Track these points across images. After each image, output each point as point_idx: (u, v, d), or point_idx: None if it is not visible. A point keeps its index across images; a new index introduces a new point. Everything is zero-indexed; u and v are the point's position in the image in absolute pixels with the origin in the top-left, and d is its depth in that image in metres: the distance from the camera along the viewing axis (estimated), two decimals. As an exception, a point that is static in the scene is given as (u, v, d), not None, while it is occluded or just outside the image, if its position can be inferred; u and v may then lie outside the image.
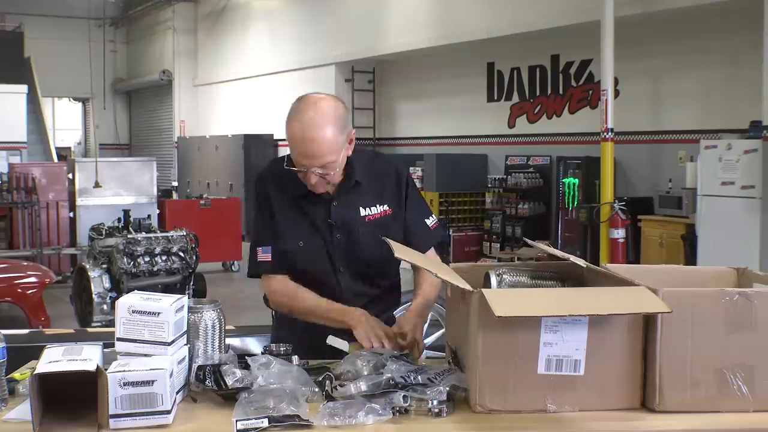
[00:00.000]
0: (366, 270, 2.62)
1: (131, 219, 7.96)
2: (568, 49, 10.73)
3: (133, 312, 2.04)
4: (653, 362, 1.96)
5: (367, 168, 2.64)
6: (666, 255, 8.72)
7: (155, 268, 7.41)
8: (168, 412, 1.89)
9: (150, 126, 21.28)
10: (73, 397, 1.91)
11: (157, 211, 11.27)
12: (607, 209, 9.09)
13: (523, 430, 1.91)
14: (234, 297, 8.98)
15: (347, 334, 2.45)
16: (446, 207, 11.41)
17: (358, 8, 13.48)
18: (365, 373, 2.09)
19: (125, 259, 7.30)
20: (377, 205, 2.62)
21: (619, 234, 8.99)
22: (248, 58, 16.66)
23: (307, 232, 2.59)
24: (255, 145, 15.24)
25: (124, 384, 1.86)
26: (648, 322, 1.98)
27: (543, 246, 2.64)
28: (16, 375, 2.16)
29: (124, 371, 1.88)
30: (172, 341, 2.04)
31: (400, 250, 2.27)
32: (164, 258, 7.49)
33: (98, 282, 7.25)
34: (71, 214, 11.00)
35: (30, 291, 7.07)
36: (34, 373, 1.84)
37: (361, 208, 2.60)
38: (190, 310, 2.19)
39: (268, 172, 2.69)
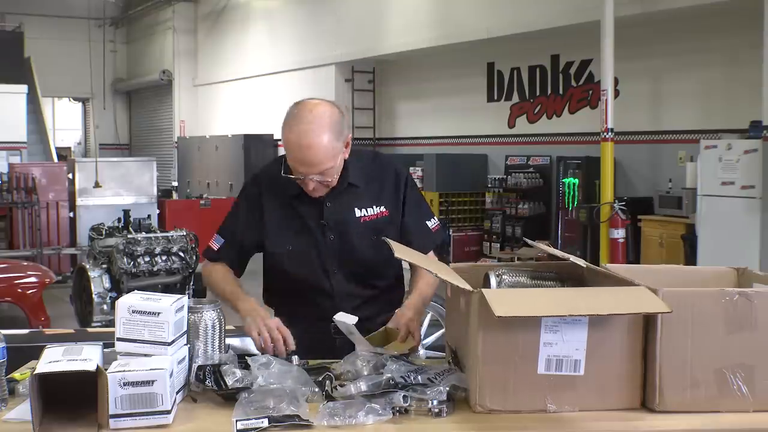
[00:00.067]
0: (359, 271, 2.61)
1: (131, 219, 7.95)
2: (568, 49, 10.73)
3: (133, 312, 2.04)
4: (653, 362, 1.96)
5: (366, 169, 2.63)
6: (666, 255, 8.72)
7: (155, 268, 7.40)
8: (168, 412, 1.89)
9: (150, 126, 21.27)
10: (73, 397, 1.91)
11: (157, 211, 11.28)
12: (607, 209, 9.09)
13: (523, 430, 1.91)
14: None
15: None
16: (446, 207, 11.41)
17: (358, 8, 13.48)
18: (365, 373, 2.09)
19: (125, 259, 7.30)
20: (374, 206, 2.61)
21: (619, 234, 8.99)
22: (248, 58, 16.65)
23: (298, 233, 2.58)
24: (255, 145, 15.23)
25: (124, 384, 1.86)
26: (648, 322, 1.98)
27: (543, 246, 2.64)
28: (16, 375, 2.16)
29: (124, 371, 1.88)
30: (172, 341, 2.04)
31: (400, 250, 2.27)
32: (164, 258, 7.48)
33: (98, 282, 7.24)
34: (71, 214, 11.01)
35: (30, 291, 7.07)
36: (34, 373, 1.84)
37: (356, 208, 2.59)
38: (190, 310, 2.20)
39: (264, 174, 2.69)
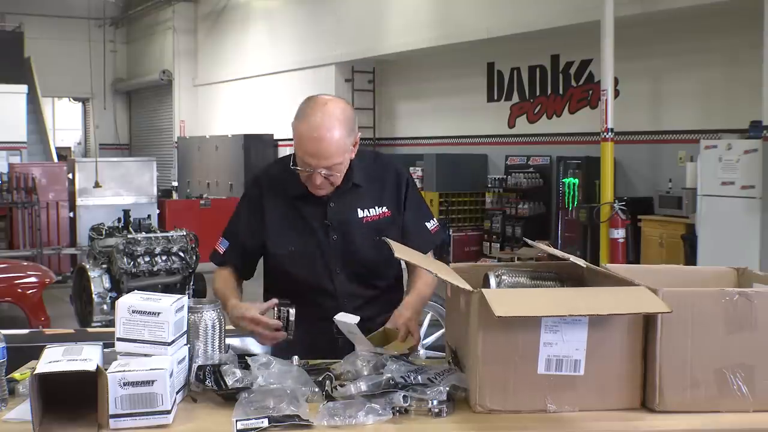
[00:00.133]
0: (362, 271, 2.61)
1: (131, 219, 7.95)
2: (568, 49, 10.73)
3: (133, 312, 2.04)
4: (653, 362, 1.96)
5: (368, 170, 2.64)
6: (666, 255, 8.72)
7: (155, 268, 7.41)
8: (168, 412, 1.89)
9: (150, 126, 21.28)
10: (73, 397, 1.91)
11: (157, 211, 11.28)
12: (607, 209, 9.09)
13: (523, 430, 1.91)
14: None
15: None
16: (446, 207, 11.41)
17: (358, 8, 13.48)
18: (365, 373, 2.09)
19: (125, 259, 7.30)
20: (376, 207, 2.61)
21: (619, 234, 8.99)
22: (248, 58, 16.66)
23: (301, 233, 2.58)
24: (255, 145, 15.24)
25: (124, 384, 1.86)
26: (648, 322, 1.97)
27: (543, 246, 2.64)
28: (16, 375, 2.15)
29: (124, 371, 1.88)
30: (172, 341, 2.04)
31: (400, 250, 2.27)
32: (164, 258, 7.49)
33: (98, 282, 7.24)
34: (71, 214, 11.01)
35: (30, 291, 7.07)
36: (34, 373, 1.84)
37: (359, 209, 2.59)
38: (190, 310, 2.19)
39: (265, 175, 2.69)
